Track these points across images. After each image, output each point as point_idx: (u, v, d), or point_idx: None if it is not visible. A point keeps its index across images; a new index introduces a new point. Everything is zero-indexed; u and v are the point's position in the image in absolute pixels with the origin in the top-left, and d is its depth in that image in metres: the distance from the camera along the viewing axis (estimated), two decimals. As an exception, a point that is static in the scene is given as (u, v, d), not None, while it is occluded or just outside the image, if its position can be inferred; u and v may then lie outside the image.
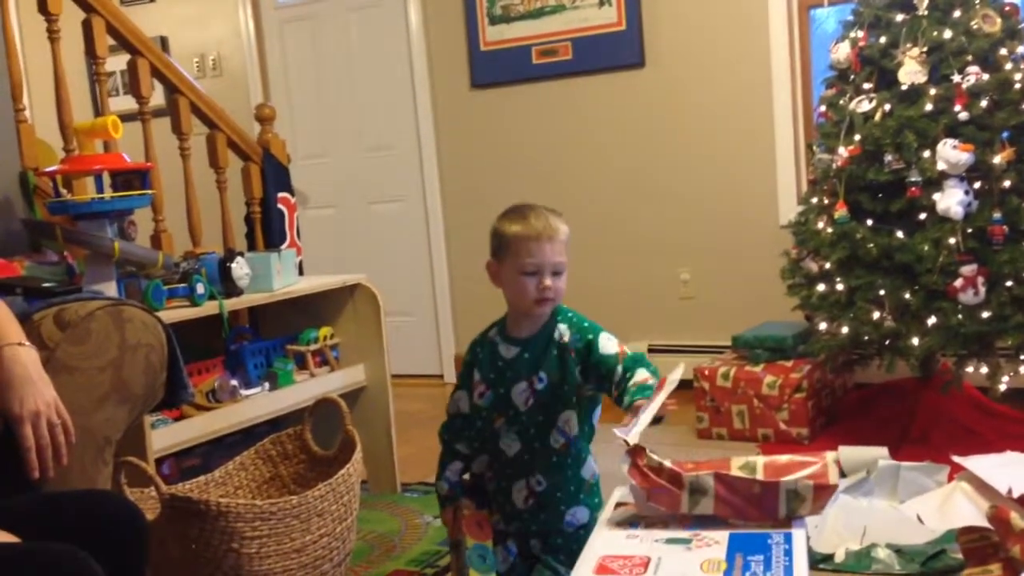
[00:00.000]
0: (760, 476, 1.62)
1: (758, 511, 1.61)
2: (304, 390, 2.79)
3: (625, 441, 1.67)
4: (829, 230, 3.10)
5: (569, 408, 1.86)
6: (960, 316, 2.86)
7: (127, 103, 3.47)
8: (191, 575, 1.87)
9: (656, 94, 4.21)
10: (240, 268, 2.63)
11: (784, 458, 1.68)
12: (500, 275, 1.87)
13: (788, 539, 1.55)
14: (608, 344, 1.84)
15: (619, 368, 1.80)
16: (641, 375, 1.76)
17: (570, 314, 1.89)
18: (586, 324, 1.87)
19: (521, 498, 1.88)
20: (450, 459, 1.92)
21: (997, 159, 2.89)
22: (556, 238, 1.82)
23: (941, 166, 2.89)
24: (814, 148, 3.36)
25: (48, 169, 2.46)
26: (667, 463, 1.70)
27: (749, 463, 1.65)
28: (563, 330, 1.87)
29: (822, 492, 1.61)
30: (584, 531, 1.88)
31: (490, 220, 1.90)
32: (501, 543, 1.93)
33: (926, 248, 2.89)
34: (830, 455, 1.67)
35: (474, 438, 1.93)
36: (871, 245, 2.97)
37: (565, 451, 1.87)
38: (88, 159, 2.38)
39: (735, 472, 1.64)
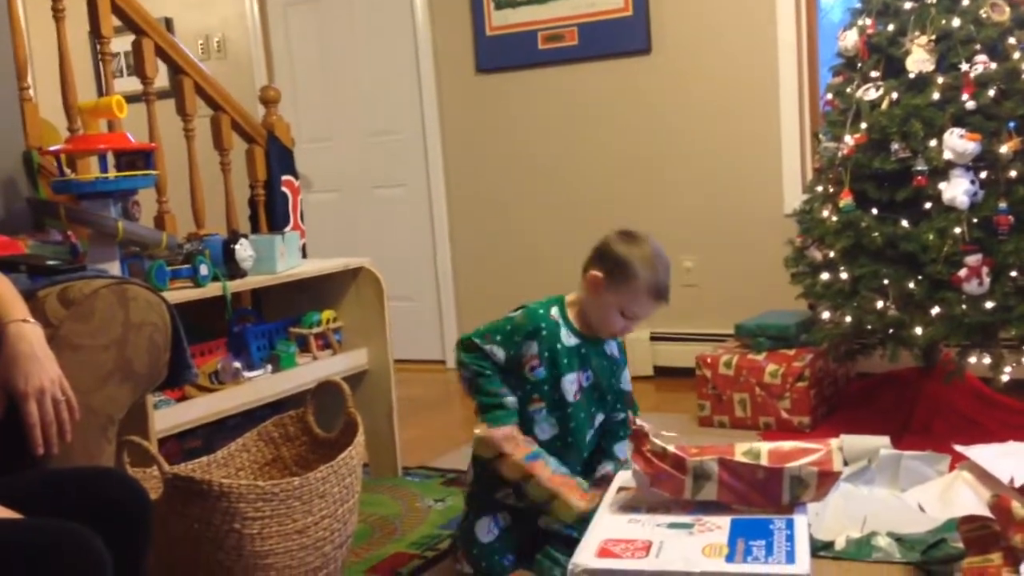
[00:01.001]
0: (764, 462, 1.62)
1: (761, 497, 1.61)
2: (306, 373, 2.78)
3: (632, 422, 1.70)
4: (834, 218, 3.10)
5: (607, 412, 2.02)
6: (964, 306, 2.85)
7: (131, 84, 3.46)
8: (193, 555, 1.87)
9: (662, 80, 4.20)
10: (244, 250, 2.62)
11: (788, 444, 1.68)
12: (600, 293, 1.91)
13: (790, 524, 1.55)
14: (628, 379, 2.07)
15: (628, 412, 2.03)
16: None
17: None
18: (623, 347, 2.08)
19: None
20: (500, 380, 1.93)
21: (1004, 149, 2.88)
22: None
23: (947, 155, 2.88)
24: (820, 136, 3.36)
25: (52, 148, 2.45)
26: (671, 448, 1.70)
27: (753, 449, 1.66)
28: (613, 346, 2.04)
29: (826, 479, 1.61)
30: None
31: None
32: (490, 514, 1.97)
33: (931, 237, 2.88)
34: (834, 442, 1.67)
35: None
36: (876, 234, 2.97)
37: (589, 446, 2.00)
38: (92, 139, 2.37)
39: (739, 458, 1.64)
